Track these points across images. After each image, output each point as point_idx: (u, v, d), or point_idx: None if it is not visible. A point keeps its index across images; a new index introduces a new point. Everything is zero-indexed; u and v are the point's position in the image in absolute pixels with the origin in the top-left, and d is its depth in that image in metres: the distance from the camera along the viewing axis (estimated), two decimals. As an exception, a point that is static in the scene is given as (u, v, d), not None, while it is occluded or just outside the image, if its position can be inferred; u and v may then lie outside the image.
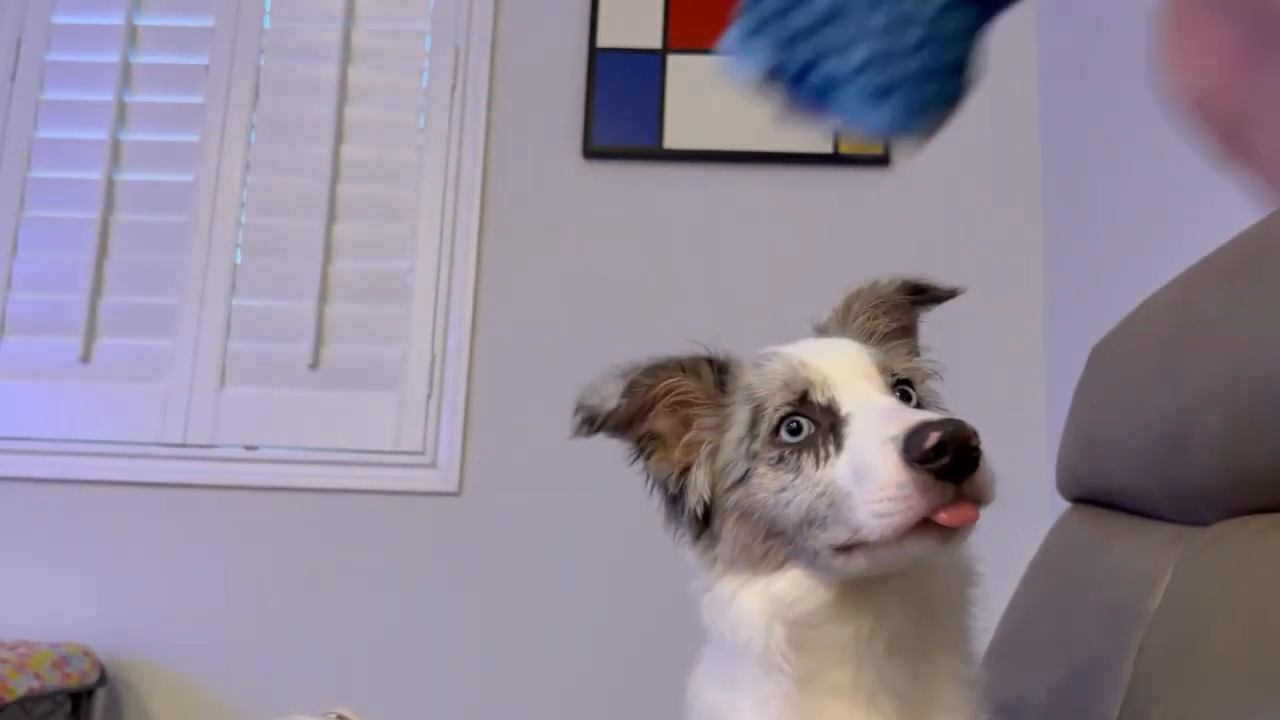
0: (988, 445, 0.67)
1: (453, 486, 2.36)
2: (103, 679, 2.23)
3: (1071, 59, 2.31)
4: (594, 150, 2.49)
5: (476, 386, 2.41)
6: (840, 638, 0.74)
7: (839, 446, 0.71)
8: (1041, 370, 2.33)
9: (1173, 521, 0.99)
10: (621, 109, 2.49)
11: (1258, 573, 0.80)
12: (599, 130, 2.49)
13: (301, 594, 2.35)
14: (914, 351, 0.89)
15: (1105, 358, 1.21)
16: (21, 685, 1.94)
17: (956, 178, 2.45)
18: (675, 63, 2.50)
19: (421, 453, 2.39)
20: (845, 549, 0.70)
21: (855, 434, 0.71)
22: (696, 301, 2.39)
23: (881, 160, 2.44)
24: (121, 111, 2.57)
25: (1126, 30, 2.00)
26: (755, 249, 2.45)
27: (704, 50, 2.50)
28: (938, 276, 0.90)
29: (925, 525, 0.65)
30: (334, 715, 1.39)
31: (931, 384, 0.86)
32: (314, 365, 2.43)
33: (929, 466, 0.64)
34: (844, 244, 2.42)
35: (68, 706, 2.18)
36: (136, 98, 2.60)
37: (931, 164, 2.46)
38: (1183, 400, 0.93)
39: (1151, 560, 0.97)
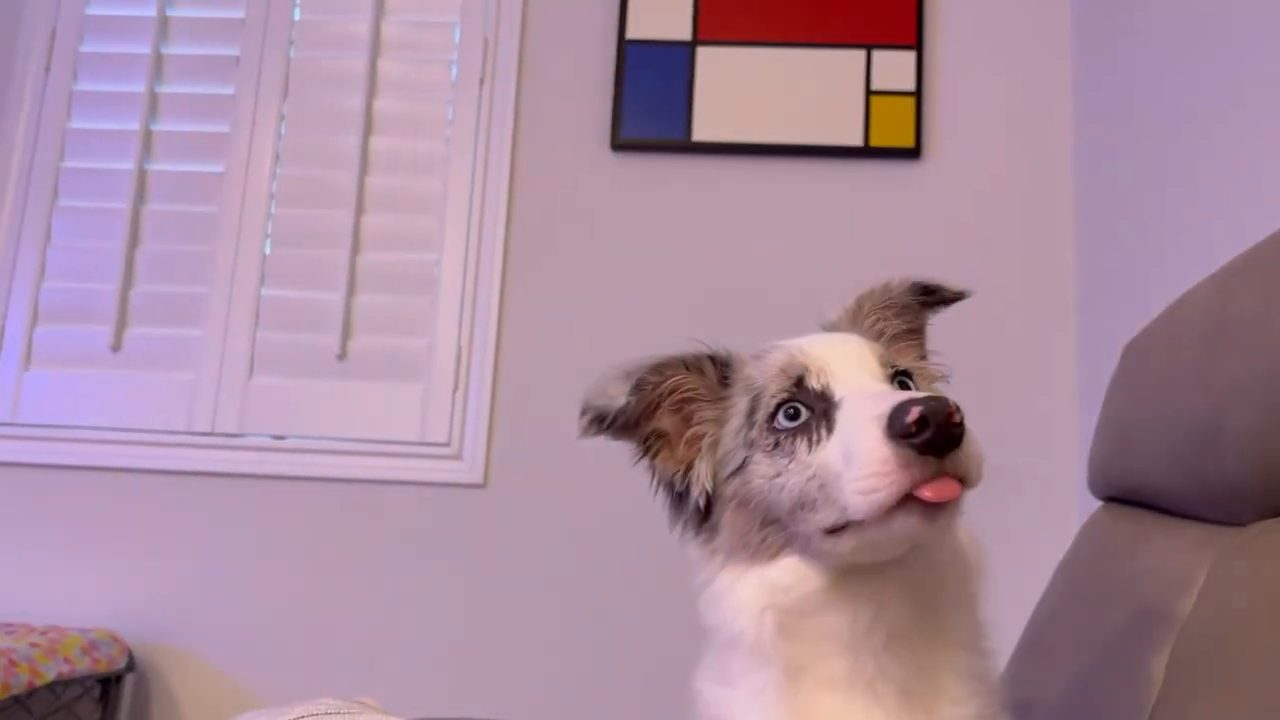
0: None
1: (478, 478, 2.37)
2: (131, 664, 2.25)
3: (1106, 51, 2.28)
4: (622, 143, 2.48)
5: (502, 379, 2.41)
6: (835, 627, 0.74)
7: (830, 430, 0.72)
8: (1073, 367, 2.30)
9: (1207, 521, 0.97)
10: (650, 101, 2.48)
11: (1295, 575, 0.78)
12: (627, 122, 2.48)
13: (327, 583, 2.36)
14: (922, 354, 0.90)
15: (1139, 355, 1.18)
16: (51, 670, 1.97)
17: (989, 170, 2.42)
18: (705, 54, 2.49)
19: (447, 444, 2.39)
20: (835, 531, 0.71)
21: (845, 416, 0.72)
22: (724, 295, 2.37)
23: (913, 153, 2.41)
24: (153, 102, 2.60)
25: (1161, 23, 1.97)
26: (785, 242, 2.43)
27: (734, 42, 2.48)
28: (951, 277, 0.90)
29: (910, 502, 0.66)
30: (356, 703, 1.40)
31: (940, 386, 0.87)
32: (341, 356, 2.44)
33: (911, 441, 0.65)
34: (875, 237, 2.40)
35: (96, 691, 2.21)
36: (168, 89, 2.62)
37: (964, 157, 2.44)
38: (1217, 398, 0.91)
39: (1184, 561, 0.95)
